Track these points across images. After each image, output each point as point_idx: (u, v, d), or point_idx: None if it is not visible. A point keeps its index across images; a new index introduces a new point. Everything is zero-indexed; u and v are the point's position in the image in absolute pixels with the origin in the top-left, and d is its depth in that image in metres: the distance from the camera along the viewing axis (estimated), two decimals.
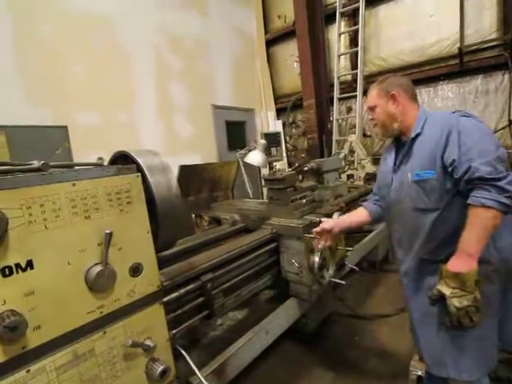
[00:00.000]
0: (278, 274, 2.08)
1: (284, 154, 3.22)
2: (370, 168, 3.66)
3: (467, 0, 4.15)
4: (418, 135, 1.37)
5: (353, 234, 3.00)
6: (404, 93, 1.42)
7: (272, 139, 2.99)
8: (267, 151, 2.40)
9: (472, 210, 1.17)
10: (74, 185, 0.98)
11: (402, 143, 1.46)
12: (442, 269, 1.24)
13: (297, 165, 2.56)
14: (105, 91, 3.63)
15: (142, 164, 1.29)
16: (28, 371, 0.88)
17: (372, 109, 1.50)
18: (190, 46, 4.69)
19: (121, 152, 1.41)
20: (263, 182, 2.89)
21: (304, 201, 2.25)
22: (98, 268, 0.99)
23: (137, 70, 4.00)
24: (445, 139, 1.24)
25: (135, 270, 1.12)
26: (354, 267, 2.37)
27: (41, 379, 0.91)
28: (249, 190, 3.54)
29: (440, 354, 1.36)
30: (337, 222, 1.76)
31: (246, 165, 2.75)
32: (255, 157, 2.57)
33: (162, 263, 1.66)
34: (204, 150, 4.84)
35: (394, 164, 1.49)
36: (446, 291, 1.19)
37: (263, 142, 2.58)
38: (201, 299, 1.51)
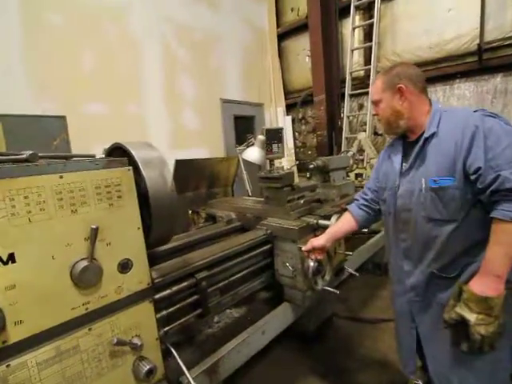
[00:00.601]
0: (272, 277, 1.98)
1: (286, 152, 3.15)
2: None
3: None
4: (432, 135, 1.21)
5: (355, 236, 2.90)
6: (413, 86, 1.25)
7: (274, 135, 2.91)
8: (268, 148, 2.30)
9: (498, 225, 1.04)
10: (60, 177, 0.95)
11: (411, 142, 1.31)
12: (460, 289, 1.13)
13: (297, 162, 2.48)
14: (112, 82, 3.61)
15: (136, 157, 1.25)
16: (8, 366, 0.87)
17: (376, 103, 1.34)
18: (200, 38, 4.63)
19: (116, 144, 1.38)
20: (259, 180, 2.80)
21: (302, 201, 2.14)
22: (84, 263, 0.97)
23: (146, 62, 3.98)
24: (468, 142, 1.09)
25: (124, 267, 1.09)
26: (354, 272, 2.23)
27: (21, 374, 0.89)
28: (248, 188, 3.46)
29: (447, 373, 1.27)
30: (327, 237, 1.59)
31: (247, 161, 2.67)
32: (253, 153, 2.45)
33: (157, 259, 1.65)
34: (211, 144, 4.80)
35: (401, 166, 1.34)
36: (470, 317, 1.07)
37: (262, 137, 2.46)
38: (194, 297, 1.48)
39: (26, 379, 0.89)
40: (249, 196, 3.27)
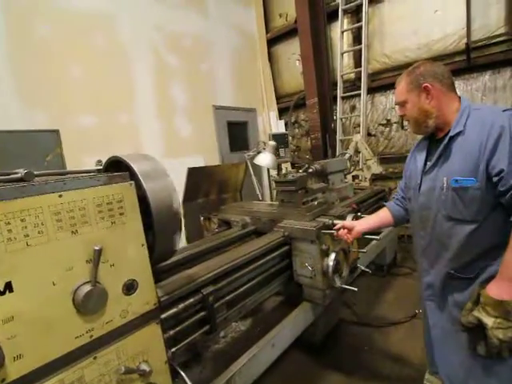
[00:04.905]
0: (289, 279, 2.02)
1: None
2: (376, 168, 3.55)
3: None
4: (458, 134, 1.19)
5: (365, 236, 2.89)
6: (439, 83, 1.22)
7: (280, 140, 2.91)
8: (275, 152, 2.33)
9: None
10: (59, 196, 0.88)
11: (437, 140, 1.29)
12: (478, 292, 1.11)
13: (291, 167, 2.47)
14: (102, 92, 3.53)
15: (136, 170, 1.20)
16: None
17: (402, 104, 1.32)
18: (190, 45, 4.59)
19: (114, 158, 1.32)
20: (273, 184, 2.83)
21: (316, 202, 2.19)
22: (87, 288, 0.90)
23: (136, 70, 3.91)
24: (493, 143, 1.07)
25: (129, 288, 1.03)
26: (367, 269, 2.29)
27: None
28: (258, 192, 3.49)
29: (464, 378, 1.24)
30: (358, 221, 1.65)
31: (254, 166, 2.70)
32: (265, 158, 2.51)
33: (161, 274, 1.58)
34: (206, 151, 4.74)
35: (425, 164, 1.32)
36: (488, 321, 1.05)
37: (273, 143, 2.53)
38: (202, 314, 1.41)
39: None
40: (259, 200, 3.27)
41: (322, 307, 2.09)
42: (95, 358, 0.95)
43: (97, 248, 0.90)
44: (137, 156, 1.29)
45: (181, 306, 1.30)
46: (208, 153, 4.74)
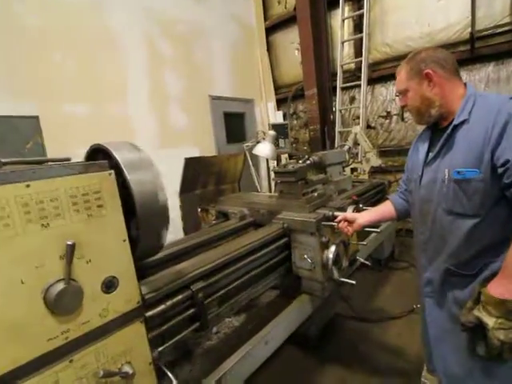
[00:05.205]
0: (287, 271, 1.98)
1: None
2: (375, 161, 3.47)
3: None
4: (463, 122, 1.11)
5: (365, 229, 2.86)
6: (441, 69, 1.14)
7: (280, 131, 2.81)
8: (275, 143, 2.26)
9: None
10: (27, 186, 0.80)
11: (440, 130, 1.22)
12: (479, 291, 1.05)
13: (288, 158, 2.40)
14: (93, 80, 3.40)
15: (119, 159, 1.11)
16: None
17: (403, 93, 1.24)
18: (186, 32, 4.44)
19: (96, 146, 1.23)
20: (272, 175, 2.76)
21: (316, 194, 2.13)
22: (60, 286, 0.82)
23: (128, 58, 3.77)
24: (499, 131, 1.00)
25: (109, 285, 0.95)
26: (366, 262, 2.26)
27: None
28: (257, 184, 3.43)
29: (462, 378, 1.19)
30: (360, 214, 1.60)
31: (252, 157, 2.63)
32: (264, 148, 2.43)
33: (150, 269, 1.51)
34: (202, 142, 4.64)
35: (427, 155, 1.25)
36: (489, 321, 1.00)
37: (273, 132, 2.45)
38: (191, 310, 1.34)
39: None
40: (258, 192, 3.21)
41: (321, 300, 2.06)
42: (71, 361, 0.88)
43: (69, 243, 0.82)
44: (120, 144, 1.20)
45: (168, 303, 1.23)
46: (204, 144, 4.63)
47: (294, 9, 5.24)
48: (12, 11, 2.89)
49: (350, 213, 1.73)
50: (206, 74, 4.77)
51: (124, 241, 1.00)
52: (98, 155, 1.21)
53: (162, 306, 1.21)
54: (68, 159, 1.04)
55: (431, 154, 1.23)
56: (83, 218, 0.89)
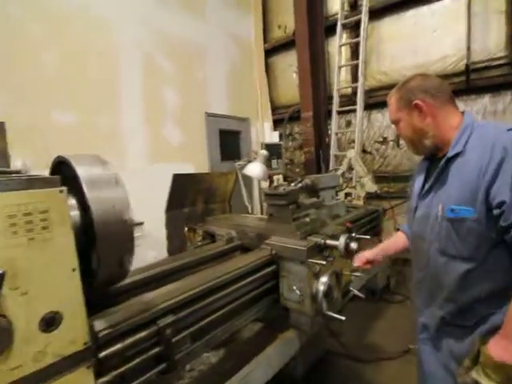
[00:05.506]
0: (273, 302, 1.82)
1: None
2: (370, 187, 3.37)
3: (474, 16, 3.99)
4: (457, 155, 1.03)
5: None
6: (431, 98, 1.07)
7: (273, 151, 2.72)
8: (267, 163, 2.14)
9: None
10: None
11: (437, 160, 1.13)
12: (478, 349, 0.92)
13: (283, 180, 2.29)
14: (82, 89, 3.30)
15: (79, 174, 0.99)
16: None
17: (395, 123, 1.18)
18: (184, 49, 4.46)
19: (59, 158, 1.11)
20: (263, 197, 2.65)
21: (308, 219, 1.98)
22: None
23: (123, 71, 3.73)
24: (494, 168, 0.91)
25: (49, 323, 0.80)
26: (360, 294, 2.08)
27: None
28: (247, 204, 3.30)
29: None
30: (378, 251, 1.56)
31: (245, 177, 2.52)
32: (255, 169, 2.33)
33: (116, 297, 1.35)
34: (195, 159, 4.54)
35: (422, 187, 1.16)
36: None
37: (265, 152, 2.35)
38: (156, 349, 1.17)
39: None
40: (248, 213, 3.08)
41: (309, 335, 1.88)
42: None
43: None
44: (86, 157, 1.08)
45: (128, 341, 1.07)
46: (197, 161, 4.54)
47: (293, 34, 5.34)
48: (8, 13, 2.84)
49: (368, 251, 1.64)
50: (204, 90, 4.76)
51: (73, 270, 0.85)
52: (64, 168, 1.09)
53: (120, 345, 1.05)
54: (18, 171, 0.91)
55: (426, 186, 1.14)
56: (22, 241, 0.75)
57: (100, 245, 0.96)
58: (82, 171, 1.00)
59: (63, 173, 1.06)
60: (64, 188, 0.85)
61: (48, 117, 3.08)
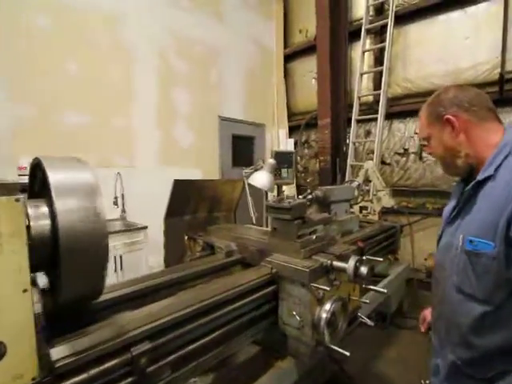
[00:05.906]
0: (271, 324, 1.66)
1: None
2: (387, 201, 3.15)
3: (510, 22, 3.70)
4: (488, 178, 0.89)
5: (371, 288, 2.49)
6: (467, 113, 0.94)
7: (284, 159, 2.59)
8: (277, 172, 1.99)
9: None
10: None
11: (470, 182, 0.99)
12: None
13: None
14: (97, 90, 3.32)
15: (50, 179, 0.88)
16: None
17: (426, 140, 1.06)
18: (201, 51, 4.41)
19: (36, 160, 1.01)
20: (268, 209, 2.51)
21: (314, 236, 1.82)
22: None
23: (138, 71, 3.71)
24: None
25: None
26: (369, 322, 1.89)
27: None
28: (252, 215, 3.16)
29: None
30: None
31: (251, 186, 2.40)
32: (261, 178, 2.20)
33: (94, 314, 1.23)
34: (206, 163, 4.46)
35: (451, 213, 1.02)
36: None
37: (272, 161, 2.21)
38: (129, 380, 1.04)
39: None
40: (253, 224, 2.94)
41: (307, 366, 1.72)
42: None
43: None
44: (62, 160, 0.98)
45: (93, 371, 0.94)
46: (207, 166, 4.45)
47: (315, 38, 5.19)
48: (24, 13, 2.87)
49: (429, 311, 1.35)
50: (218, 94, 4.69)
51: (24, 291, 0.73)
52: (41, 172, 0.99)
53: (84, 375, 0.92)
54: None
55: (454, 213, 1.00)
56: None
57: (64, 259, 0.85)
58: (54, 175, 0.90)
59: (42, 176, 0.96)
60: (21, 196, 0.73)
61: (62, 118, 3.10)
